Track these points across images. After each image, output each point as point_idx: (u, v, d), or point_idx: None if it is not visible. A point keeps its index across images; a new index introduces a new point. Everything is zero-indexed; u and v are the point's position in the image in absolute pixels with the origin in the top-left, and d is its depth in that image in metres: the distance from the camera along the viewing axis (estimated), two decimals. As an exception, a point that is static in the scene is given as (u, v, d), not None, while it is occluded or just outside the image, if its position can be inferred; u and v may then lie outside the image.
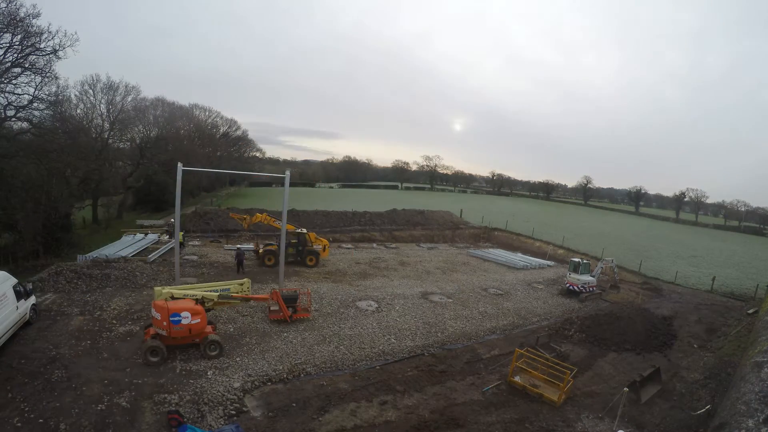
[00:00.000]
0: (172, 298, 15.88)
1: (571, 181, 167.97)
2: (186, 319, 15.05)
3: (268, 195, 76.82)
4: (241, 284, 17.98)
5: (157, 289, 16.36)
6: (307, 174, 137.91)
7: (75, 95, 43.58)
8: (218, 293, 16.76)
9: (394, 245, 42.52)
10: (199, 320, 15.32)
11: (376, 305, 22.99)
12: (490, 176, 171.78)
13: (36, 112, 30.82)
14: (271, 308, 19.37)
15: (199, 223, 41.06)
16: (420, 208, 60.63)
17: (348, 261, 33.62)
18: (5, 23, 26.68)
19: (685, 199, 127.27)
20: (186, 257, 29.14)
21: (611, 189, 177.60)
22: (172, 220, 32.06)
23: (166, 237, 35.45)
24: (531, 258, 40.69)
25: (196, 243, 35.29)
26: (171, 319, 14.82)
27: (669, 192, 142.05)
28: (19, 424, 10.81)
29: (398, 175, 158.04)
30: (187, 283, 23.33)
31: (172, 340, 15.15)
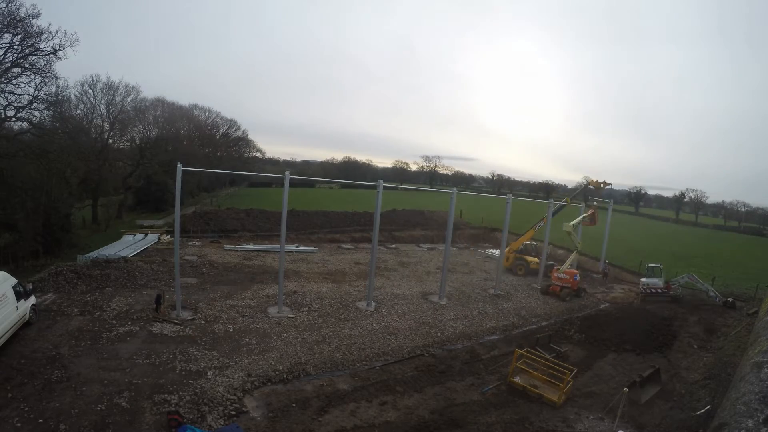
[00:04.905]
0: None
1: (570, 182, 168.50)
2: (578, 277, 28.76)
3: (268, 196, 76.78)
4: (579, 243, 30.89)
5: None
6: (307, 174, 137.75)
7: (75, 95, 43.59)
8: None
9: (393, 245, 42.53)
10: (579, 278, 29.13)
11: (376, 305, 23.01)
12: (490, 176, 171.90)
13: (36, 113, 30.83)
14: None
15: (199, 223, 41.06)
16: (420, 208, 60.66)
17: (348, 261, 33.63)
18: (5, 23, 26.69)
19: (685, 200, 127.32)
20: (186, 258, 29.15)
21: (611, 189, 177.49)
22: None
23: (167, 237, 35.46)
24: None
25: (196, 243, 35.29)
26: (574, 277, 28.17)
27: (669, 192, 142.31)
28: (19, 424, 10.81)
29: (398, 176, 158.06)
30: (189, 284, 23.46)
31: (570, 290, 27.98)
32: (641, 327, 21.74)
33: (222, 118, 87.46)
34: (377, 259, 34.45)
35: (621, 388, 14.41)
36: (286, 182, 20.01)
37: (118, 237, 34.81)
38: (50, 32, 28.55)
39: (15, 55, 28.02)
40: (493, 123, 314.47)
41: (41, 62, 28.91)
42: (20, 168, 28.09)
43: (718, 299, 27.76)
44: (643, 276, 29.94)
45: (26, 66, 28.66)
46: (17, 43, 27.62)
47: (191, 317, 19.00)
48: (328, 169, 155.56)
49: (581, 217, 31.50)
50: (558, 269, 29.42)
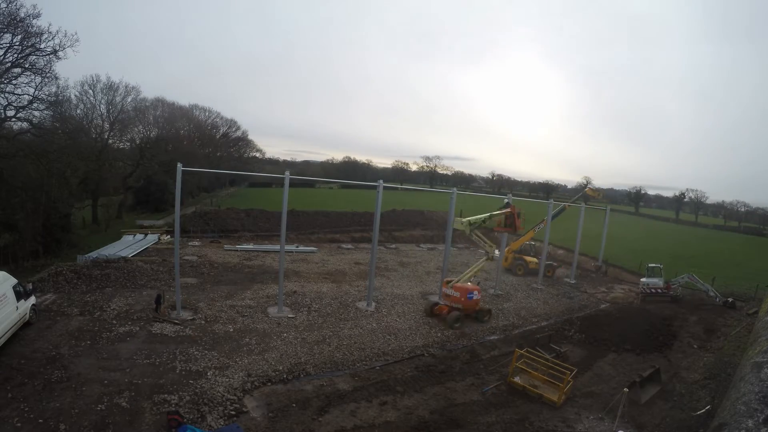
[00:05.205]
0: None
1: (570, 182, 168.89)
2: (476, 295, 21.43)
3: (268, 196, 76.81)
4: (491, 249, 22.78)
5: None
6: (307, 174, 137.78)
7: (75, 95, 43.63)
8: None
9: (393, 245, 42.53)
10: (479, 296, 21.72)
11: (376, 305, 23.00)
12: (490, 176, 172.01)
13: (36, 113, 30.85)
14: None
15: (199, 223, 41.08)
16: (420, 208, 60.67)
17: (348, 261, 33.64)
18: (5, 23, 26.70)
19: (685, 200, 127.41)
20: (186, 258, 29.14)
21: (611, 190, 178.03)
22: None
23: (167, 237, 35.46)
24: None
25: (196, 243, 35.29)
26: (467, 296, 20.96)
27: (669, 192, 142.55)
28: (18, 424, 10.81)
29: (398, 176, 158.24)
30: (189, 284, 23.44)
31: (464, 311, 21.11)
32: (641, 327, 21.74)
33: (222, 118, 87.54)
34: (377, 259, 34.52)
35: (621, 388, 14.41)
36: (286, 182, 20.02)
37: (118, 237, 34.82)
38: (50, 32, 28.59)
39: (15, 56, 28.05)
40: (493, 124, 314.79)
41: (41, 62, 28.95)
42: (20, 168, 28.12)
43: (718, 299, 27.78)
44: (643, 276, 29.96)
45: (26, 66, 28.67)
46: (17, 44, 27.66)
47: (191, 317, 18.99)
48: (328, 169, 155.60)
49: (487, 214, 23.47)
50: (449, 282, 22.10)
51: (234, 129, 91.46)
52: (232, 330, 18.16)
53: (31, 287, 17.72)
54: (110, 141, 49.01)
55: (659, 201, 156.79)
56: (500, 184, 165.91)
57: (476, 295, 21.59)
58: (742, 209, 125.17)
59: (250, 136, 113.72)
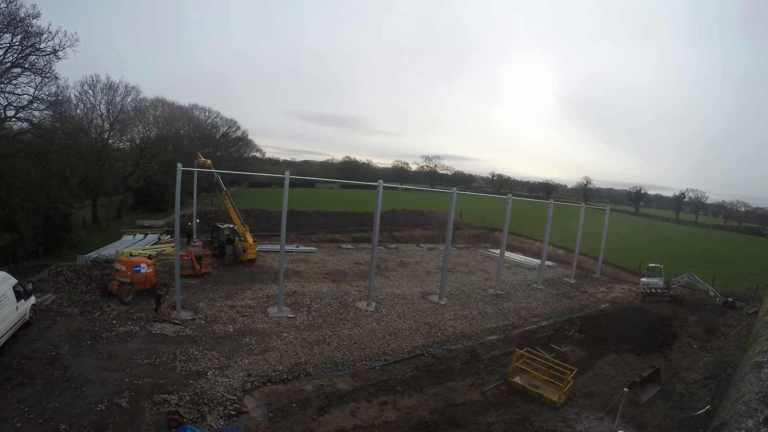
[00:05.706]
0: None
1: (570, 182, 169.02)
2: (144, 268, 20.69)
3: (268, 196, 76.77)
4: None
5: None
6: (307, 174, 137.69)
7: (75, 95, 43.51)
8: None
9: (393, 245, 42.52)
10: (151, 270, 21.14)
11: (376, 305, 23.00)
12: (490, 176, 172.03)
13: (36, 113, 30.79)
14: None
15: (198, 223, 41.03)
16: (420, 208, 60.64)
17: (348, 261, 33.63)
18: (5, 23, 26.68)
19: (685, 200, 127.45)
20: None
21: (611, 189, 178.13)
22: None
23: (167, 237, 35.43)
24: (531, 258, 40.73)
25: (197, 243, 35.23)
26: (134, 269, 20.34)
27: (669, 192, 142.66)
28: (18, 424, 10.81)
29: (398, 176, 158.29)
30: (189, 284, 23.40)
31: (130, 287, 20.33)
32: (641, 327, 21.73)
33: (222, 118, 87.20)
34: (377, 259, 34.51)
35: (621, 388, 14.41)
36: (286, 182, 20.01)
37: (118, 237, 34.77)
38: (50, 32, 28.53)
39: (15, 55, 28.00)
40: (493, 125, 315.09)
41: (41, 62, 28.89)
42: (20, 168, 28.09)
43: (718, 299, 27.77)
44: (643, 276, 29.96)
45: (26, 66, 28.63)
46: (17, 44, 27.61)
47: (191, 317, 18.99)
48: (328, 169, 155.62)
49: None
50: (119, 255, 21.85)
51: (234, 129, 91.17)
52: (232, 330, 18.16)
53: (31, 287, 17.71)
54: (110, 141, 48.93)
55: (659, 201, 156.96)
56: (500, 184, 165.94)
57: (145, 269, 20.61)
58: (742, 209, 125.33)
59: (250, 136, 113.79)
